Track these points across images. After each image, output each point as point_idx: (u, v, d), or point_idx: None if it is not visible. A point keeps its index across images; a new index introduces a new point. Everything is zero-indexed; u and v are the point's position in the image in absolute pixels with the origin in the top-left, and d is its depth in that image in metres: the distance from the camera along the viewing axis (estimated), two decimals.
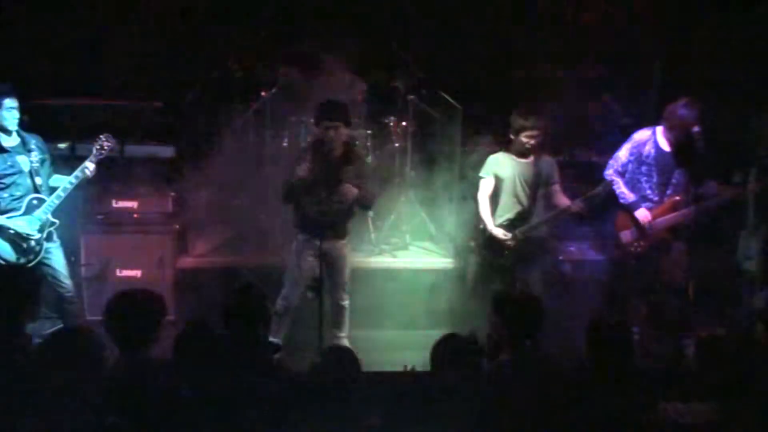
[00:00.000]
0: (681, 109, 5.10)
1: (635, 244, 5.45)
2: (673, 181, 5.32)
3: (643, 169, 5.37)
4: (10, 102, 4.90)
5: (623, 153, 5.44)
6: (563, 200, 5.39)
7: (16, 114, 4.94)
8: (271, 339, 5.00)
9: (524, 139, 5.29)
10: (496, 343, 3.72)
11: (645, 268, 5.54)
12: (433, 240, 6.73)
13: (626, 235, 5.48)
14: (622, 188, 5.42)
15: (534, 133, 5.27)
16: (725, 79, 6.34)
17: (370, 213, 6.67)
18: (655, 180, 5.35)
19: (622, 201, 5.43)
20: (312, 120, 5.20)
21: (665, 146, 5.29)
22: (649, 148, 5.34)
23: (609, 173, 5.47)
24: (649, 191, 5.38)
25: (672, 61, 6.76)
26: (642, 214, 5.36)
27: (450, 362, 3.35)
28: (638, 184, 5.40)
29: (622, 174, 5.45)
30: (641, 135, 5.40)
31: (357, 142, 5.30)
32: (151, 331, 3.51)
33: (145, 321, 3.49)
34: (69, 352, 3.05)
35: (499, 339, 3.72)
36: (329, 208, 5.06)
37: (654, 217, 5.36)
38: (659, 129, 5.32)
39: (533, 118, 5.28)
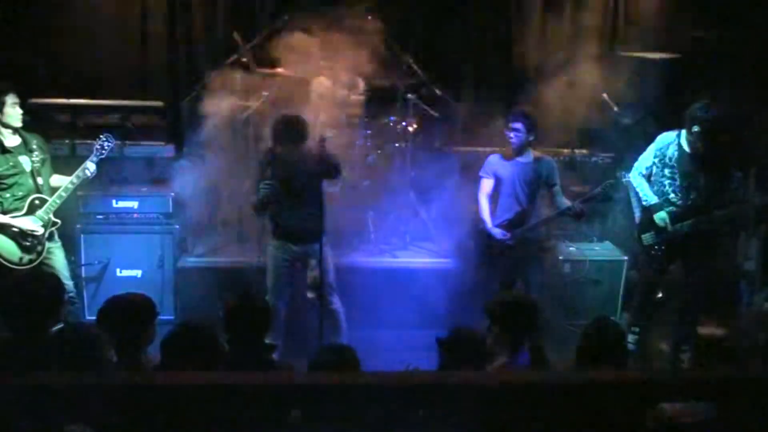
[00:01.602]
0: (698, 111, 5.03)
1: (656, 247, 5.41)
2: (698, 185, 5.21)
3: (667, 171, 5.27)
4: (13, 98, 4.92)
5: (647, 155, 5.37)
6: (563, 201, 5.39)
7: (20, 110, 4.96)
8: (267, 340, 5.01)
9: (508, 133, 5.32)
10: (492, 346, 3.74)
11: (660, 271, 5.50)
12: (433, 240, 6.73)
13: (647, 238, 5.42)
14: (645, 190, 5.35)
15: (515, 126, 5.28)
16: (725, 79, 6.34)
17: (371, 213, 6.69)
18: (678, 183, 5.25)
19: (644, 203, 5.37)
20: (273, 139, 5.11)
21: (687, 149, 5.19)
22: (672, 151, 5.25)
23: (633, 175, 5.41)
24: (672, 194, 5.28)
25: (672, 60, 6.75)
26: (661, 217, 5.30)
27: (460, 357, 3.37)
28: (662, 187, 5.31)
29: (647, 176, 5.38)
30: (665, 137, 5.31)
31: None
32: (144, 332, 3.53)
33: (137, 323, 3.52)
34: (73, 350, 3.07)
35: (494, 342, 3.73)
36: (299, 214, 5.09)
37: (674, 222, 5.27)
38: (683, 131, 5.21)
39: (517, 114, 5.32)
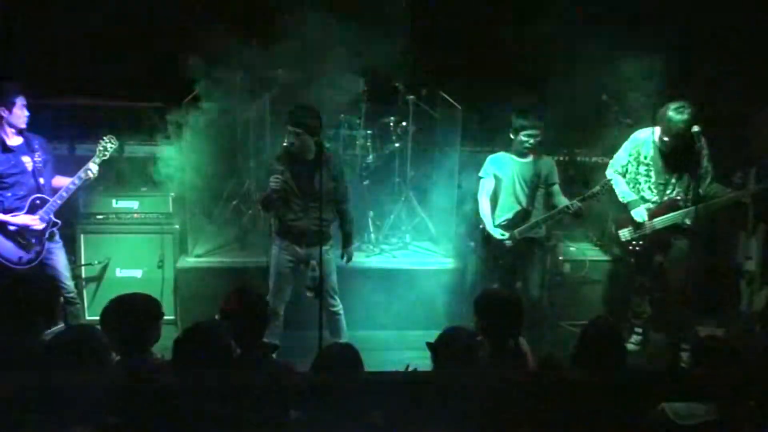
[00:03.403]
0: (671, 112, 5.12)
1: (633, 242, 5.48)
2: (673, 181, 5.35)
3: (642, 169, 5.41)
4: (23, 100, 4.95)
5: (622, 153, 5.50)
6: (562, 200, 5.41)
7: (27, 112, 4.99)
8: (266, 340, 5.02)
9: (523, 138, 5.32)
10: (480, 342, 3.75)
11: (644, 267, 5.58)
12: (433, 240, 6.74)
13: (625, 234, 5.51)
14: (622, 187, 5.46)
15: (533, 132, 5.30)
16: (725, 78, 6.34)
17: (371, 213, 6.69)
18: (653, 180, 5.38)
19: (621, 200, 5.47)
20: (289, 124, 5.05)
21: (663, 147, 5.29)
22: (647, 149, 5.37)
23: (610, 172, 5.53)
24: (648, 191, 5.41)
25: (672, 59, 6.75)
26: (638, 213, 5.40)
27: (453, 356, 3.37)
28: (638, 184, 5.45)
29: (622, 174, 5.50)
30: (640, 135, 5.44)
31: (328, 146, 5.19)
32: (149, 333, 3.53)
33: (142, 324, 3.52)
34: (74, 351, 3.08)
35: (481, 338, 3.74)
36: (307, 216, 5.06)
37: (651, 217, 5.39)
38: (657, 129, 5.31)
39: (532, 118, 5.31)
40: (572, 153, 6.73)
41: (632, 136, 5.48)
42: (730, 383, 3.16)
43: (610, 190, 5.39)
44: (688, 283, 5.37)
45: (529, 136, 5.31)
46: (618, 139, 5.71)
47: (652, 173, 5.38)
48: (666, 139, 5.20)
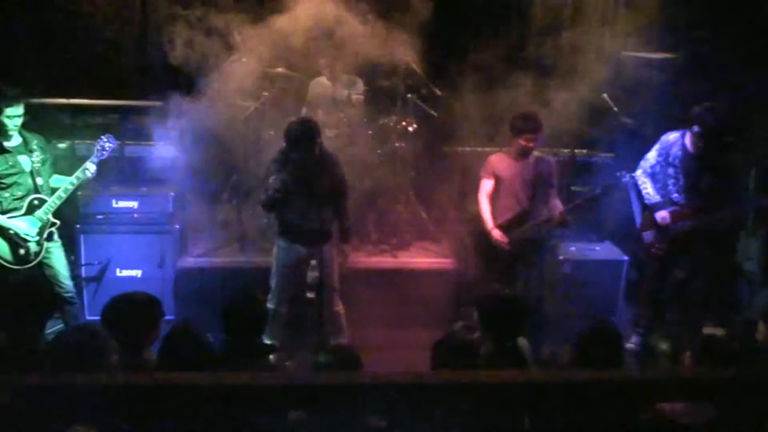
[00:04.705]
0: (700, 111, 5.08)
1: (656, 245, 5.44)
2: (701, 186, 5.26)
3: (670, 171, 5.34)
4: (13, 110, 4.84)
5: (652, 154, 5.44)
6: (556, 204, 5.40)
7: (18, 121, 4.91)
8: (266, 341, 5.02)
9: (523, 142, 5.32)
10: (479, 343, 3.76)
11: (664, 271, 5.55)
12: (433, 240, 6.73)
13: (648, 236, 5.47)
14: (648, 189, 5.42)
15: (533, 135, 5.30)
16: (725, 80, 6.33)
17: (371, 213, 6.69)
18: (681, 183, 5.31)
19: (646, 201, 5.43)
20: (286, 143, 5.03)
21: (691, 149, 5.23)
22: (676, 151, 5.30)
23: (638, 174, 5.47)
24: (676, 194, 5.34)
25: (672, 60, 6.75)
26: (661, 215, 5.35)
27: (451, 361, 3.37)
28: (666, 186, 5.38)
29: (651, 175, 5.44)
30: (670, 137, 5.37)
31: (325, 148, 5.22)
32: (148, 333, 3.54)
33: (143, 323, 3.53)
34: (75, 351, 3.08)
35: (481, 338, 3.75)
36: (308, 216, 5.05)
37: (674, 220, 5.33)
38: (687, 132, 5.25)
39: (532, 121, 5.31)
40: (572, 153, 6.72)
41: (662, 138, 5.42)
42: (730, 383, 3.15)
43: (610, 193, 5.39)
44: (692, 284, 5.37)
45: (528, 139, 5.32)
46: (618, 139, 5.71)
47: (680, 176, 5.30)
48: (697, 139, 5.13)
